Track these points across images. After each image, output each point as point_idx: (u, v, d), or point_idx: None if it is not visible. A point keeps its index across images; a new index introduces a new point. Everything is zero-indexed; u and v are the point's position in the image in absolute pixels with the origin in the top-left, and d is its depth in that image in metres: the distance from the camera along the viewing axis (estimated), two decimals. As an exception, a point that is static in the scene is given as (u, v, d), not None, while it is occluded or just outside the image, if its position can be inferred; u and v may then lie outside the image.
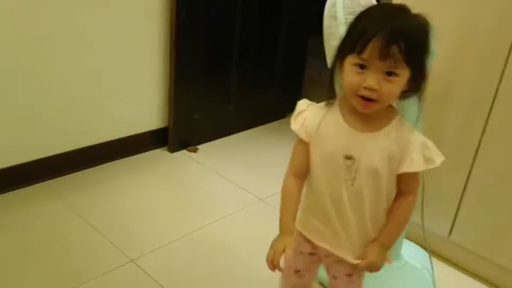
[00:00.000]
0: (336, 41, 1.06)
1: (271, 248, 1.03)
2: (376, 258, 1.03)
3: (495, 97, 1.50)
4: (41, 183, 1.96)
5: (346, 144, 0.96)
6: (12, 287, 1.45)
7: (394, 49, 0.85)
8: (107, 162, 2.17)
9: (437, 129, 1.64)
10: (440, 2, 1.53)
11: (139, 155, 2.29)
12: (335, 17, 1.21)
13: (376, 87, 0.87)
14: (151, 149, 2.34)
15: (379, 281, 1.55)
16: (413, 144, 0.96)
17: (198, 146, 2.43)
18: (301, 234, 1.10)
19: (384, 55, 0.85)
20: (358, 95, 0.90)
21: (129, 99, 2.20)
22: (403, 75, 0.89)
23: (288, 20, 2.62)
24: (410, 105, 1.35)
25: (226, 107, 2.57)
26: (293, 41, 2.69)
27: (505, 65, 1.46)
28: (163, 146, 2.37)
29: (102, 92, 2.08)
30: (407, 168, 0.96)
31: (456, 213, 1.67)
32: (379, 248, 1.03)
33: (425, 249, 1.62)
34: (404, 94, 0.95)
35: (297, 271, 1.15)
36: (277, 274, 1.10)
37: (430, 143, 0.98)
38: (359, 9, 1.18)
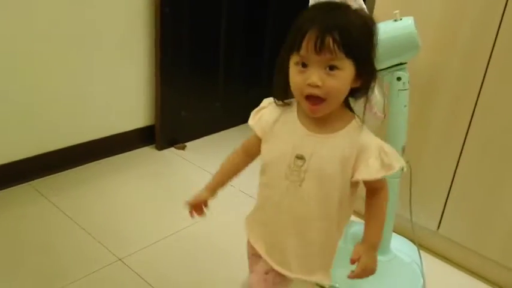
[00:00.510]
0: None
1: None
2: (370, 260, 1.00)
3: (481, 89, 1.51)
4: (23, 184, 1.93)
5: (298, 144, 0.94)
6: (-3, 289, 1.43)
7: (328, 40, 0.83)
8: (94, 161, 2.15)
9: (423, 123, 1.65)
10: (425, -5, 1.54)
11: (127, 153, 2.27)
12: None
13: (319, 83, 0.85)
14: (139, 147, 2.33)
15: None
16: (369, 149, 0.92)
17: (186, 144, 2.42)
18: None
19: (318, 47, 0.83)
20: (305, 98, 0.88)
21: (115, 97, 2.17)
22: (346, 68, 0.86)
23: (274, 16, 2.61)
24: (400, 91, 1.36)
25: (214, 104, 2.56)
26: (280, 36, 2.68)
27: (490, 56, 1.47)
28: (151, 143, 2.36)
29: (87, 90, 2.05)
30: (363, 175, 0.92)
31: (444, 207, 1.68)
32: (370, 251, 1.00)
33: (414, 242, 1.63)
34: (355, 93, 0.93)
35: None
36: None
37: (387, 148, 0.94)
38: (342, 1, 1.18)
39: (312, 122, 0.94)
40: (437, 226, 1.71)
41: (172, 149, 2.37)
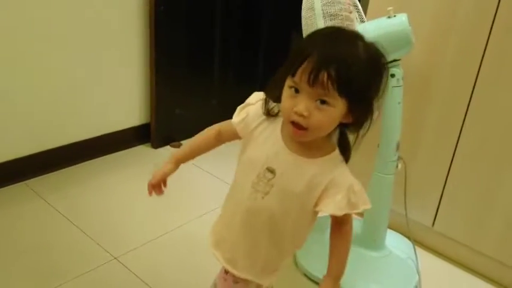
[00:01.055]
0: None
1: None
2: None
3: (475, 86, 1.52)
4: (18, 183, 1.92)
5: (272, 157, 0.92)
6: (-7, 289, 1.43)
7: (323, 75, 0.79)
8: (89, 159, 2.14)
9: (418, 119, 1.65)
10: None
11: (122, 152, 2.26)
12: (312, 9, 1.21)
13: (305, 113, 0.82)
14: (134, 146, 2.32)
15: (363, 271, 1.56)
16: (340, 186, 0.90)
17: (181, 142, 2.41)
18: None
19: (312, 80, 0.79)
20: (290, 122, 0.85)
21: (110, 96, 2.17)
22: (337, 106, 0.82)
23: (270, 12, 2.61)
24: (394, 88, 1.36)
25: (209, 101, 2.56)
26: (275, 34, 2.68)
27: (484, 53, 1.47)
28: (147, 142, 2.35)
29: (83, 89, 2.05)
30: (326, 208, 0.91)
31: (439, 203, 1.68)
32: (335, 282, 1.00)
33: (409, 239, 1.63)
34: (346, 127, 0.90)
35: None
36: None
37: (357, 187, 0.92)
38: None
39: (293, 142, 0.91)
40: (432, 222, 1.71)
41: (167, 147, 2.37)
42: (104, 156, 2.20)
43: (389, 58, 1.33)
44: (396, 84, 1.36)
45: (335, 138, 0.94)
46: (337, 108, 0.83)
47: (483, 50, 1.47)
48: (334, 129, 0.90)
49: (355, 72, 0.81)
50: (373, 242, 1.59)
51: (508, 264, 1.59)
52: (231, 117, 1.02)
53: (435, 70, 1.58)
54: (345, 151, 0.94)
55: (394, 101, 1.39)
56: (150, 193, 1.10)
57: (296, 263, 1.57)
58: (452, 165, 1.62)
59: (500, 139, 1.50)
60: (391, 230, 1.65)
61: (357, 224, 1.68)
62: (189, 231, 1.76)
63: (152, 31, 2.14)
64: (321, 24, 1.23)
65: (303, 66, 0.81)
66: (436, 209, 1.69)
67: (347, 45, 0.83)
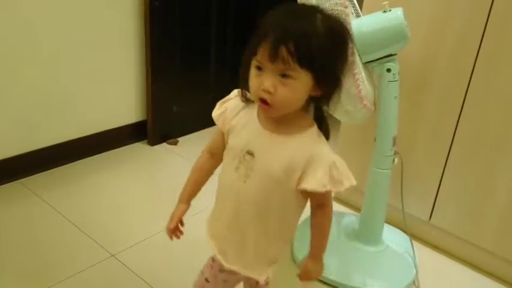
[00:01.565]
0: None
1: None
2: (311, 268, 1.03)
3: (470, 79, 1.52)
4: (13, 182, 1.91)
5: (251, 140, 0.93)
6: (-10, 287, 1.43)
7: (282, 50, 0.81)
8: (85, 157, 2.14)
9: (414, 114, 1.65)
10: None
11: (119, 149, 2.26)
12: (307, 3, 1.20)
13: (271, 89, 0.84)
14: (131, 143, 2.32)
15: (361, 266, 1.56)
16: (320, 161, 0.90)
17: (178, 139, 2.41)
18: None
19: (272, 56, 0.82)
20: (259, 99, 0.88)
21: (106, 93, 2.16)
22: (300, 78, 0.84)
23: (265, 7, 2.60)
24: (390, 82, 1.37)
25: (206, 97, 2.55)
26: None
27: (479, 47, 1.47)
28: (143, 139, 2.35)
29: (78, 86, 2.04)
30: (308, 185, 0.90)
31: (436, 197, 1.69)
32: (313, 260, 1.03)
33: (406, 233, 1.64)
34: (316, 100, 0.91)
35: (206, 279, 1.12)
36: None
37: (340, 164, 0.91)
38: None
39: (269, 120, 0.93)
40: (429, 216, 1.72)
41: (164, 144, 2.36)
42: (100, 154, 2.19)
43: (385, 53, 1.33)
44: (392, 78, 1.36)
45: (311, 114, 0.94)
46: (300, 81, 0.84)
47: (479, 43, 1.47)
48: (308, 104, 0.92)
49: (314, 44, 0.82)
50: (371, 236, 1.60)
51: (505, 257, 1.59)
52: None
53: (431, 64, 1.58)
54: (321, 125, 0.95)
55: (390, 96, 1.39)
56: (171, 238, 1.12)
57: (293, 258, 1.58)
58: (448, 159, 1.62)
59: (496, 132, 1.51)
60: (388, 225, 1.66)
61: (354, 219, 1.69)
62: (186, 228, 1.75)
63: (147, 27, 2.13)
64: None
65: (263, 44, 0.83)
66: (432, 203, 1.69)
67: (305, 19, 0.85)
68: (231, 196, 0.97)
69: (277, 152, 0.91)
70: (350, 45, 0.93)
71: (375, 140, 1.47)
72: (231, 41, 2.55)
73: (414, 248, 1.61)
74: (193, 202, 1.12)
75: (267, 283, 1.04)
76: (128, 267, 1.54)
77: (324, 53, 0.84)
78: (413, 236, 1.67)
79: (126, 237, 1.67)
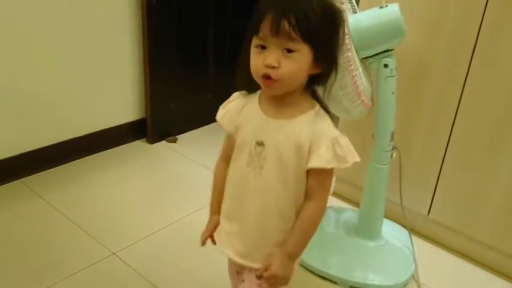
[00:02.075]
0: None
1: None
2: (280, 269, 0.95)
3: (467, 74, 1.52)
4: (14, 182, 1.92)
5: (258, 131, 0.94)
6: (-8, 286, 1.44)
7: (284, 23, 0.84)
8: (85, 156, 2.15)
9: (412, 109, 1.66)
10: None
11: (118, 148, 2.27)
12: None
13: (275, 64, 0.86)
14: (130, 141, 2.32)
15: (361, 261, 1.57)
16: (322, 138, 0.91)
17: (177, 136, 2.42)
18: None
19: (275, 30, 0.84)
20: (262, 77, 0.88)
21: (105, 92, 2.17)
22: (302, 51, 0.86)
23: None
24: (387, 78, 1.37)
25: (205, 95, 2.56)
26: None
27: (476, 41, 1.48)
28: (142, 137, 2.35)
29: (77, 85, 2.04)
30: (313, 163, 0.90)
31: (434, 192, 1.70)
32: (284, 258, 0.95)
33: (405, 227, 1.65)
34: (316, 80, 0.93)
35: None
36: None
37: (343, 140, 0.91)
38: None
39: (272, 106, 0.94)
40: (427, 211, 1.73)
41: (163, 142, 2.37)
42: (100, 153, 2.20)
43: (382, 48, 1.34)
44: (390, 74, 1.37)
45: (309, 96, 0.95)
46: (303, 54, 0.87)
47: (475, 38, 1.48)
48: (307, 87, 0.94)
49: (313, 19, 0.85)
50: (370, 231, 1.60)
51: (503, 250, 1.61)
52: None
53: (429, 59, 1.58)
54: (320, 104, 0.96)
55: (388, 91, 1.40)
56: (203, 244, 1.09)
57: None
58: (446, 154, 1.63)
59: (494, 127, 1.52)
60: (387, 220, 1.67)
61: (353, 214, 1.70)
62: (188, 224, 1.76)
63: (145, 25, 2.13)
64: None
65: (265, 20, 0.85)
66: (431, 197, 1.70)
67: None
68: (249, 191, 0.96)
69: (284, 138, 0.92)
70: (343, 29, 0.95)
71: (373, 136, 1.48)
72: (228, 39, 2.55)
73: (413, 242, 1.62)
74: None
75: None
76: (128, 265, 1.55)
77: (321, 28, 0.87)
78: (412, 231, 1.68)
79: (127, 235, 1.68)
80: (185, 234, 1.72)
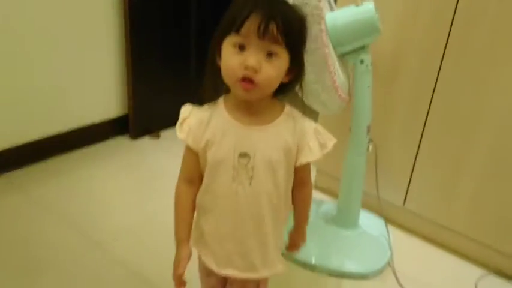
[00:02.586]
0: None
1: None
2: (303, 241, 1.12)
3: (440, 68, 1.58)
4: (-2, 177, 1.92)
5: (238, 142, 0.90)
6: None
7: (272, 26, 0.81)
8: (68, 152, 2.15)
9: (387, 102, 1.71)
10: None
11: (101, 144, 2.28)
12: None
13: (257, 66, 0.82)
14: (113, 137, 2.34)
15: (338, 249, 1.62)
16: (308, 133, 0.93)
17: (160, 132, 2.44)
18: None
19: (262, 31, 0.80)
20: (239, 80, 0.84)
21: (88, 88, 2.17)
22: (283, 58, 0.85)
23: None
24: (363, 73, 1.42)
25: (187, 90, 2.57)
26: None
27: (448, 37, 1.54)
28: (125, 133, 2.37)
29: (59, 81, 2.05)
30: (307, 158, 0.93)
31: (409, 183, 1.75)
32: (302, 232, 1.10)
33: (381, 217, 1.70)
34: (283, 88, 0.92)
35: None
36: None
37: (320, 128, 0.95)
38: None
39: (244, 114, 0.90)
40: (403, 201, 1.78)
41: (146, 138, 2.39)
42: (83, 148, 2.21)
43: (358, 44, 1.38)
44: (365, 69, 1.42)
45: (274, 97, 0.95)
46: (282, 59, 0.85)
47: (447, 35, 1.53)
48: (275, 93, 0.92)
49: (295, 25, 0.86)
50: (347, 221, 1.65)
51: (475, 238, 1.67)
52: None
53: (402, 55, 1.64)
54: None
55: (363, 86, 1.44)
56: (178, 287, 1.01)
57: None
58: (420, 146, 1.69)
59: (465, 119, 1.58)
60: (364, 210, 1.72)
61: (331, 206, 1.75)
62: (169, 218, 1.79)
63: (127, 22, 2.15)
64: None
65: (250, 19, 0.81)
66: (406, 188, 1.76)
67: (284, 3, 0.88)
68: (241, 205, 0.93)
69: (269, 142, 0.91)
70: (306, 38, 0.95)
71: (350, 129, 1.53)
72: (211, 34, 2.57)
73: (389, 231, 1.68)
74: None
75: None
76: (114, 258, 1.57)
77: (301, 34, 0.89)
78: (388, 220, 1.73)
79: (113, 229, 1.70)
80: (168, 228, 1.74)
